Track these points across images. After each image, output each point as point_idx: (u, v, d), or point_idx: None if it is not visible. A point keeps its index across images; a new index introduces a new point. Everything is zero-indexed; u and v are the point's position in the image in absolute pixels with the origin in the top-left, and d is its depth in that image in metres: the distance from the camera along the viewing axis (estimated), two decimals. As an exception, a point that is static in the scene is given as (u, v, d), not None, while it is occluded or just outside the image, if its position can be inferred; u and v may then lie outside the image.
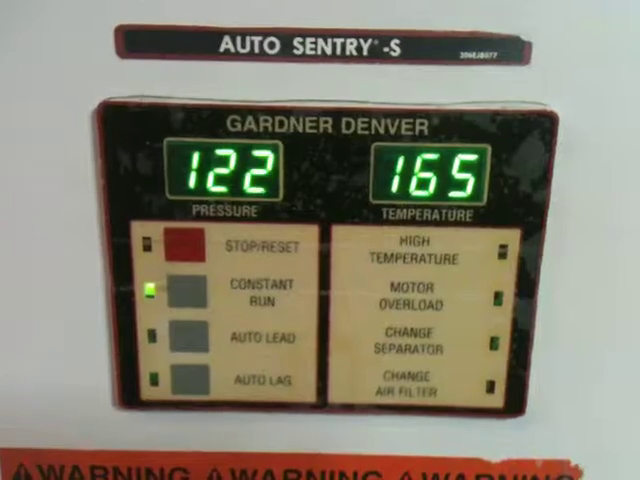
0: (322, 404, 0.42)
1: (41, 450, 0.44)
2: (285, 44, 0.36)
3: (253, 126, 0.37)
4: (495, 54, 0.37)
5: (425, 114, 0.37)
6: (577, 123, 0.37)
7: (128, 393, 0.42)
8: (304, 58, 0.37)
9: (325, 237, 0.39)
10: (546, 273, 0.40)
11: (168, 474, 0.45)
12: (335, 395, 0.42)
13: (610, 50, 0.36)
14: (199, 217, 0.39)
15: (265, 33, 0.36)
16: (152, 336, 0.41)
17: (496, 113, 0.37)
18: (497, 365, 0.41)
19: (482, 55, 0.37)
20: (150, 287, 0.40)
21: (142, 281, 0.40)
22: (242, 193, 0.38)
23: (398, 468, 0.45)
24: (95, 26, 0.36)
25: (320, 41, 0.36)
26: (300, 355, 0.41)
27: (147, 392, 0.42)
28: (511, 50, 0.36)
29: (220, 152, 0.38)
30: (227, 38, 0.36)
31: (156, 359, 0.41)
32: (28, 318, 0.42)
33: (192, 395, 0.42)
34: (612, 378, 0.43)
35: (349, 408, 0.42)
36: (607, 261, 0.40)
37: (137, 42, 0.36)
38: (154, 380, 0.42)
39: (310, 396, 0.42)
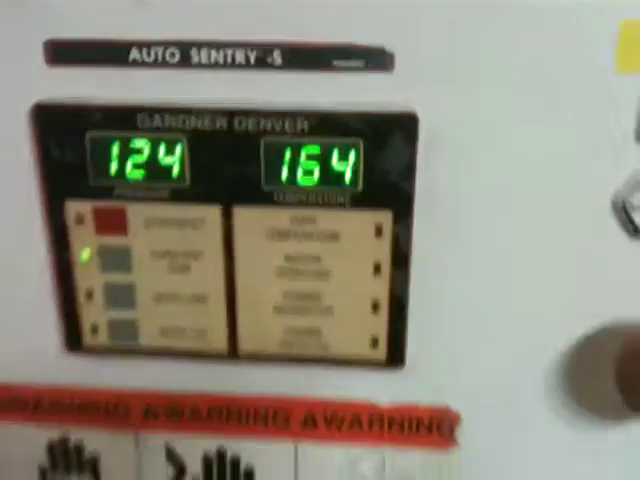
0: (233, 354, 0.50)
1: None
2: (183, 54, 0.43)
3: (160, 123, 0.44)
4: (364, 62, 0.42)
5: (305, 114, 0.43)
6: (435, 122, 0.43)
7: (73, 340, 0.50)
8: (200, 66, 0.43)
9: (227, 216, 0.46)
10: (418, 247, 0.46)
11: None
12: (244, 347, 0.49)
13: (460, 59, 0.42)
14: (120, 198, 0.46)
15: (166, 44, 0.42)
16: (89, 295, 0.49)
17: (366, 114, 0.43)
18: (379, 325, 0.48)
19: (353, 63, 0.42)
20: (84, 255, 0.48)
21: (78, 250, 0.48)
22: (155, 178, 0.45)
23: (303, 409, 0.52)
24: (27, 40, 0.43)
25: (213, 52, 0.42)
26: (212, 313, 0.49)
27: (89, 339, 0.50)
28: (377, 59, 0.42)
29: (135, 144, 0.44)
30: (135, 49, 0.43)
31: (95, 313, 0.49)
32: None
33: (125, 343, 0.50)
34: (481, 333, 0.48)
35: (257, 357, 0.50)
36: (468, 237, 0.46)
37: (63, 53, 0.43)
38: (94, 330, 0.50)
39: (223, 347, 0.50)
